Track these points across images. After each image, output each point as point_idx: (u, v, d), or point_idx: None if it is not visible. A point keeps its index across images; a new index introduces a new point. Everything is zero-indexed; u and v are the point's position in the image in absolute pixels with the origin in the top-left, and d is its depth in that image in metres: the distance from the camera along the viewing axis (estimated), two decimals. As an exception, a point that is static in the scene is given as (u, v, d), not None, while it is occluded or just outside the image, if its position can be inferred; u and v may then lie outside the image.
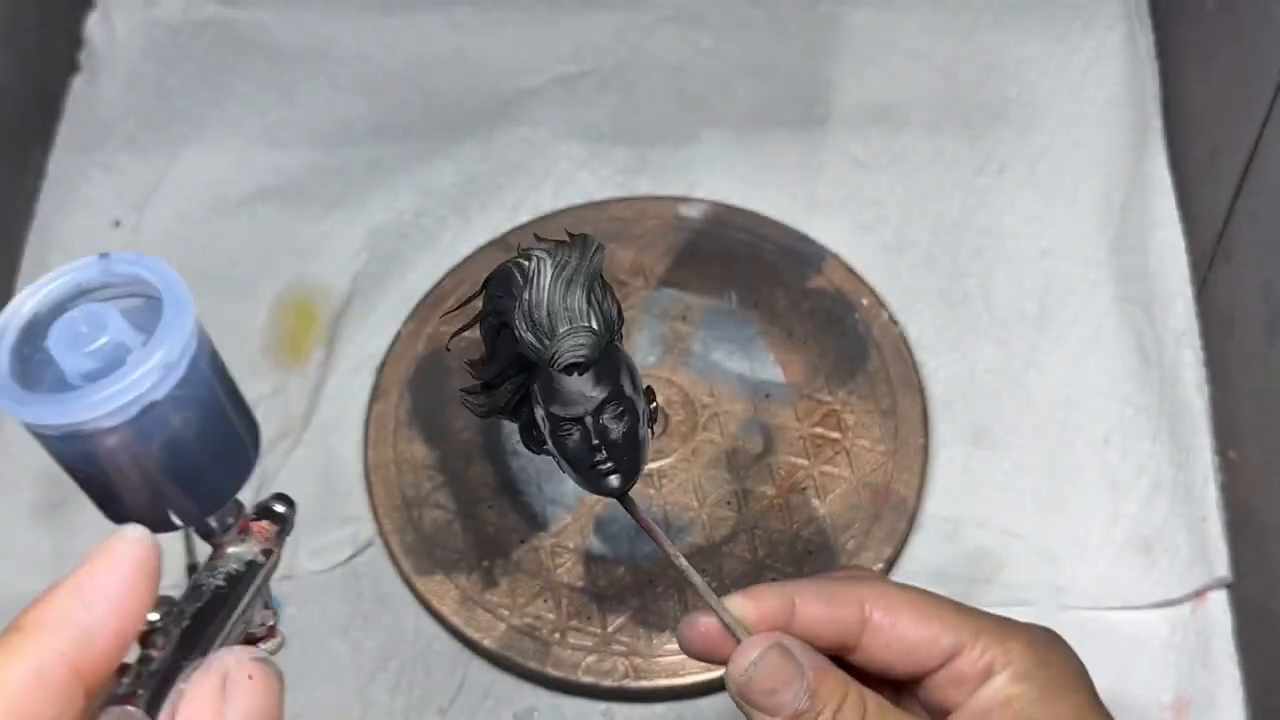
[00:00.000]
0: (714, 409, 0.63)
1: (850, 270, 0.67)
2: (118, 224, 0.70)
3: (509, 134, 0.72)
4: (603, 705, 0.57)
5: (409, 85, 0.74)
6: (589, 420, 0.38)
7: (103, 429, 0.26)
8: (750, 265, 0.67)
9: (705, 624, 0.40)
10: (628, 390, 0.38)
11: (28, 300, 0.27)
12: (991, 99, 0.72)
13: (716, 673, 0.57)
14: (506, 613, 0.58)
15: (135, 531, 0.28)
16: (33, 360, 0.27)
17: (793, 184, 0.70)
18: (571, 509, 0.61)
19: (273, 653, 0.32)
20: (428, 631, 0.59)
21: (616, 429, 0.39)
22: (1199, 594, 0.58)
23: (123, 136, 0.73)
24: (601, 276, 0.38)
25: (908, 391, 0.63)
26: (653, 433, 0.40)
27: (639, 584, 0.59)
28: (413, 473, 0.62)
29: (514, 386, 0.40)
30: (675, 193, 0.70)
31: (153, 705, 0.28)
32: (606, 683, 0.57)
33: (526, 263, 0.38)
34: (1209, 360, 0.62)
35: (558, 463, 0.40)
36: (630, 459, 0.39)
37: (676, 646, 0.57)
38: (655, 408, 0.40)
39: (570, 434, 0.38)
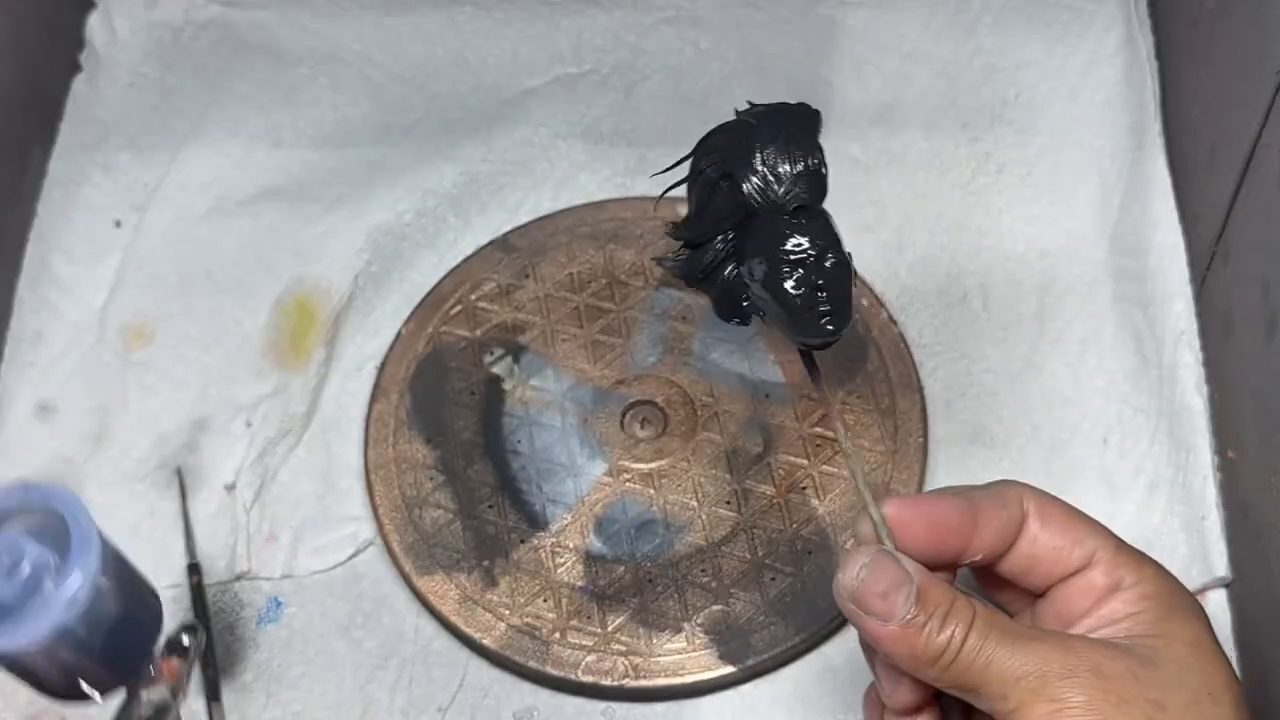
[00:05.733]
0: (714, 409, 0.63)
1: (850, 270, 0.67)
2: (119, 224, 0.71)
3: (509, 135, 0.72)
4: (602, 704, 0.57)
5: (410, 86, 0.75)
6: (812, 263, 0.41)
7: (24, 653, 0.31)
8: (750, 265, 0.67)
9: (864, 531, 0.42)
10: (843, 243, 0.41)
11: None
12: (990, 100, 0.72)
13: (716, 672, 0.57)
14: (506, 612, 0.58)
15: None
16: None
17: (792, 184, 0.70)
18: (571, 508, 0.61)
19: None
20: (428, 631, 0.59)
21: (836, 274, 0.41)
22: (1198, 593, 0.58)
23: (124, 136, 0.73)
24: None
25: (906, 391, 0.63)
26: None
27: (639, 583, 0.59)
28: (413, 472, 0.62)
29: (722, 244, 0.42)
30: (675, 193, 0.70)
31: None
32: (606, 682, 0.57)
33: (752, 121, 0.42)
34: (1208, 360, 0.62)
35: (763, 316, 0.42)
36: (844, 305, 0.41)
37: (676, 646, 0.57)
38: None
39: (793, 275, 0.41)
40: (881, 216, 0.69)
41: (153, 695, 0.35)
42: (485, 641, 0.58)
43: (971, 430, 0.63)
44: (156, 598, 0.34)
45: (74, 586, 0.31)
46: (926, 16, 0.74)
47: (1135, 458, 0.61)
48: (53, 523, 0.32)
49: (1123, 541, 0.42)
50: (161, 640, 0.35)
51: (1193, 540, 0.59)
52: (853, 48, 0.74)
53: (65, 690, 0.32)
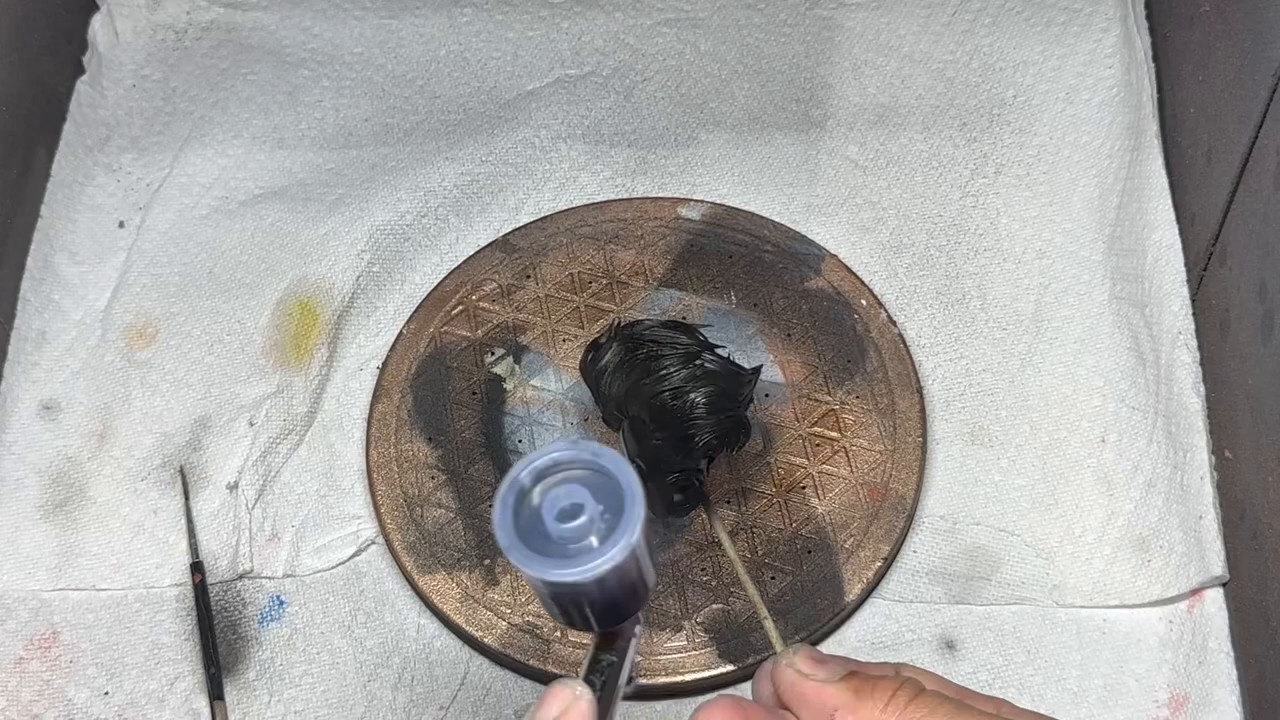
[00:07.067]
0: (713, 408, 0.63)
1: (848, 271, 0.67)
2: (122, 225, 0.71)
3: (510, 136, 0.73)
4: (603, 702, 0.58)
5: (411, 88, 0.75)
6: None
7: (574, 582, 0.35)
8: (749, 266, 0.67)
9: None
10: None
11: (522, 472, 0.36)
12: (988, 101, 0.72)
13: (716, 670, 0.57)
14: (508, 611, 0.59)
15: (587, 691, 0.36)
16: (520, 514, 0.36)
17: (791, 185, 0.71)
18: (572, 507, 0.61)
19: (630, 694, 0.40)
20: (429, 629, 0.60)
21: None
22: (1195, 592, 0.59)
23: (127, 138, 0.73)
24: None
25: (905, 391, 0.63)
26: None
27: (639, 582, 0.59)
28: (414, 471, 0.62)
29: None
30: (675, 194, 0.71)
31: None
32: (607, 680, 0.57)
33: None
34: (1205, 360, 0.62)
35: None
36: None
37: (676, 644, 0.57)
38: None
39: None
40: (880, 217, 0.69)
41: (618, 645, 0.40)
42: (486, 640, 0.58)
43: (970, 429, 0.63)
44: (653, 571, 0.39)
45: (628, 537, 0.35)
46: (925, 18, 0.75)
47: (1133, 456, 0.62)
48: (596, 479, 0.36)
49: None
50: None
51: (1189, 539, 0.59)
52: (851, 49, 0.74)
53: (576, 620, 0.38)
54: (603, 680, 0.38)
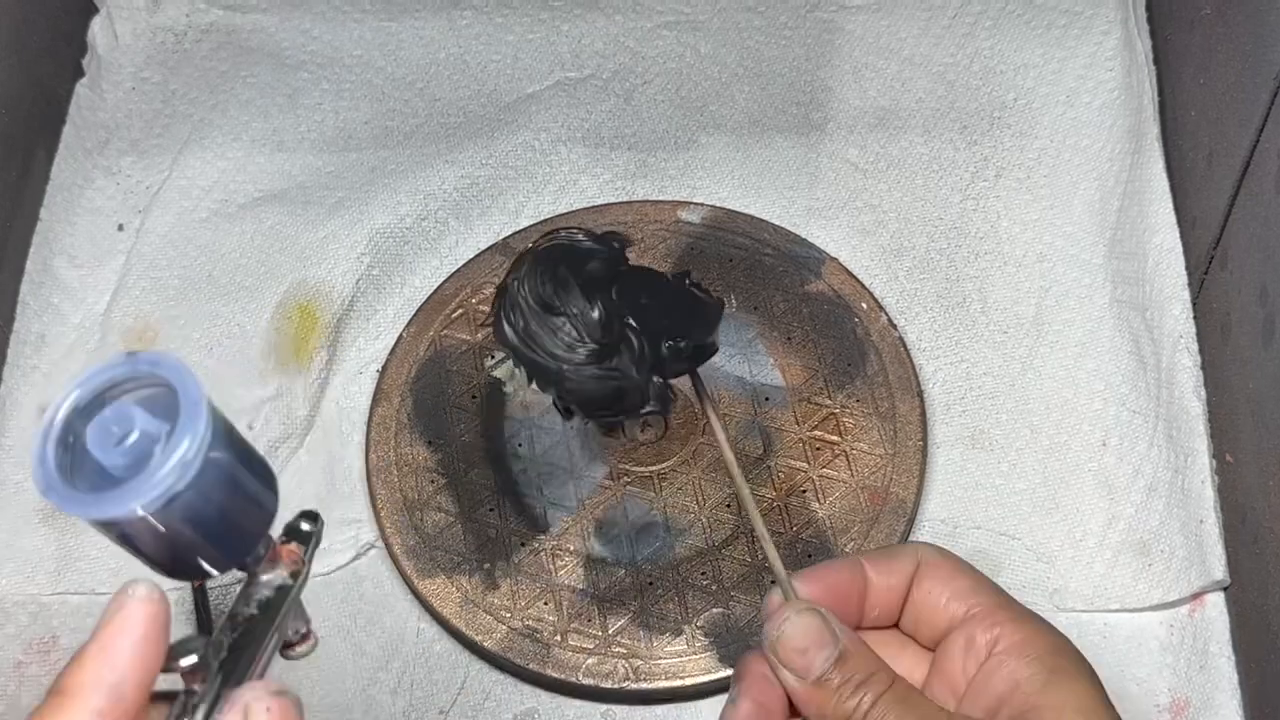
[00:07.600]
0: (714, 412, 0.63)
1: (849, 274, 0.67)
2: (121, 228, 0.71)
3: (510, 139, 0.72)
4: (603, 707, 0.58)
5: (411, 90, 0.75)
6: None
7: (134, 518, 0.30)
8: (749, 269, 0.67)
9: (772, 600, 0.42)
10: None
11: (65, 401, 0.31)
12: (988, 104, 0.72)
13: (716, 675, 0.57)
14: (507, 615, 0.59)
15: (142, 589, 0.31)
16: (76, 448, 0.31)
17: (791, 189, 0.71)
18: (572, 511, 0.61)
19: (307, 654, 0.35)
20: (429, 633, 0.60)
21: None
22: (1196, 596, 0.58)
23: (126, 141, 0.73)
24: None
25: (906, 395, 0.63)
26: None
27: (639, 586, 0.59)
28: (414, 475, 0.62)
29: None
30: (675, 197, 0.71)
31: None
32: (607, 684, 0.57)
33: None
34: (1205, 364, 0.62)
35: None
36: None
37: (676, 648, 0.57)
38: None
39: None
40: (880, 221, 0.69)
41: (273, 578, 0.34)
42: (486, 644, 0.58)
43: (970, 433, 0.63)
44: (273, 478, 0.34)
45: (182, 452, 0.30)
46: (925, 21, 0.75)
47: (1133, 460, 0.62)
48: (164, 395, 0.31)
49: (1008, 597, 0.42)
50: (279, 526, 0.35)
51: (1190, 543, 0.59)
52: (852, 52, 0.74)
53: (180, 567, 0.32)
54: (235, 636, 0.33)
